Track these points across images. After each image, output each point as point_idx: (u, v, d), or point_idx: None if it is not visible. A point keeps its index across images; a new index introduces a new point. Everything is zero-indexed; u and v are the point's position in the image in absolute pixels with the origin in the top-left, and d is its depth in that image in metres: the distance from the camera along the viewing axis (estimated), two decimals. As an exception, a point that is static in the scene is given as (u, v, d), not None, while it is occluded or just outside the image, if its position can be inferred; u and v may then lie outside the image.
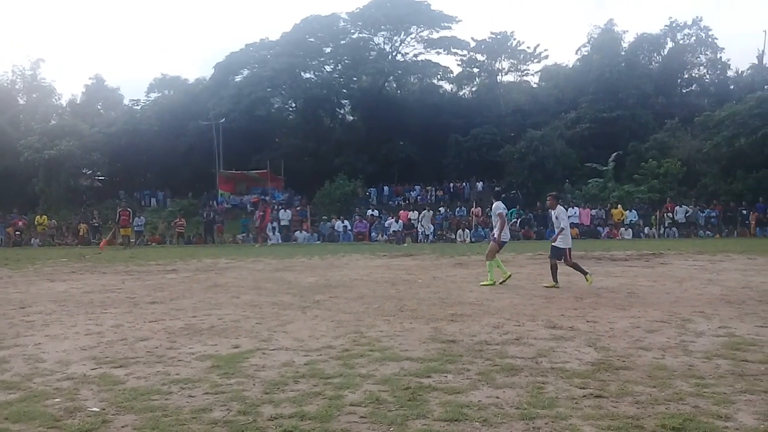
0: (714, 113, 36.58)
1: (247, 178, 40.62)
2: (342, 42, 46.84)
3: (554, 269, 12.05)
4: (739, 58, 78.45)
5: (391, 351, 6.45)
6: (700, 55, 46.76)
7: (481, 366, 5.80)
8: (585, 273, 11.88)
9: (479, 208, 32.30)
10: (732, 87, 44.50)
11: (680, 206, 30.71)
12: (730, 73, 46.90)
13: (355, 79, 47.73)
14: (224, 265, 17.57)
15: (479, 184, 39.04)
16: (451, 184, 39.56)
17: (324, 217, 33.29)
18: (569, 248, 12.23)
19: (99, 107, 51.73)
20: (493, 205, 13.21)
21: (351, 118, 50.48)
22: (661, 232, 30.03)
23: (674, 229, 30.12)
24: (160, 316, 8.80)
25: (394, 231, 29.55)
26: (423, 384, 5.18)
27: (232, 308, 9.56)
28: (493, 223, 13.28)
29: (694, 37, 46.11)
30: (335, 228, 31.54)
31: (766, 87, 37.71)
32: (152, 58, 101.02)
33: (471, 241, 28.13)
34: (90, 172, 45.07)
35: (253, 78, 44.74)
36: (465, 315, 8.66)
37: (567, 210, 12.83)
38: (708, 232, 29.83)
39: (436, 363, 5.89)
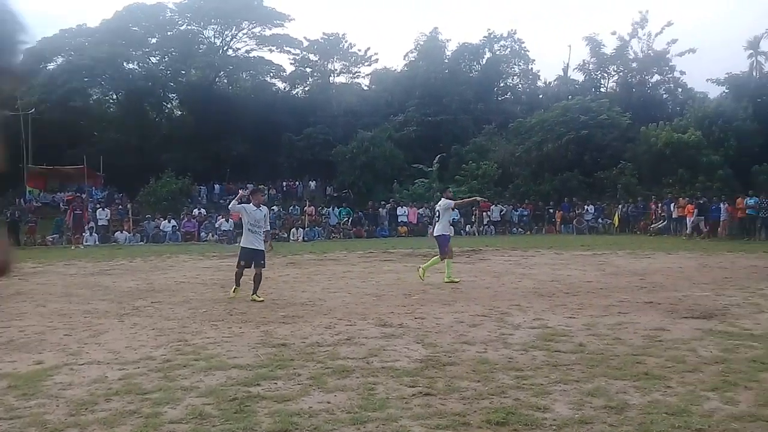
0: (526, 120, 39.78)
1: (60, 173, 36.99)
2: (169, 33, 44.50)
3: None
4: (548, 70, 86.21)
5: (218, 359, 6.11)
6: (515, 66, 50.61)
7: (312, 370, 5.68)
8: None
9: (312, 207, 32.29)
10: (541, 96, 48.65)
11: (496, 205, 32.98)
12: (539, 83, 51.36)
13: (183, 72, 45.55)
14: (30, 269, 15.79)
15: (312, 183, 39.06)
16: (285, 183, 39.16)
17: (148, 216, 31.30)
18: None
19: None
20: (442, 202, 12.77)
21: (179, 112, 48.13)
22: (480, 229, 32.03)
23: (491, 226, 32.27)
24: (-56, 333, 7.63)
25: (224, 230, 28.56)
26: (251, 393, 4.93)
27: (36, 318, 8.56)
28: (439, 219, 12.77)
29: (509, 49, 49.77)
30: (161, 228, 29.79)
31: (570, 97, 41.67)
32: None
33: (304, 240, 28.00)
34: None
35: (68, 66, 40.98)
36: (297, 316, 8.50)
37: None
38: (520, 229, 32.32)
39: (266, 369, 5.67)
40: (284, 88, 49.53)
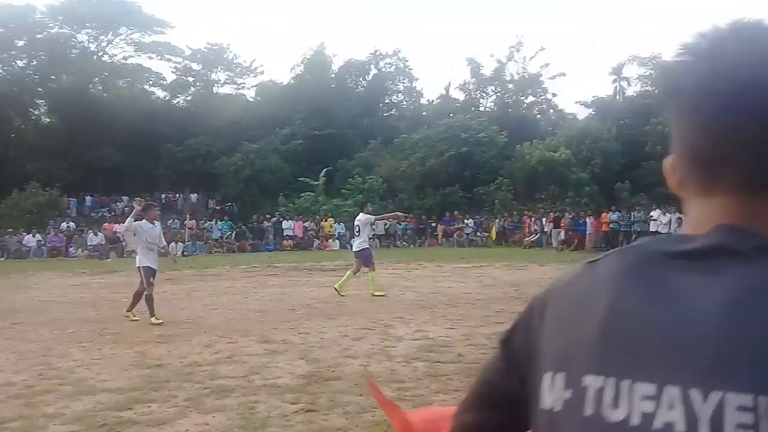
0: (410, 136, 40.75)
1: None
2: (38, 36, 41.46)
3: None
4: (431, 88, 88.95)
5: (86, 383, 5.75)
6: (399, 83, 51.74)
7: (190, 390, 5.47)
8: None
9: (194, 220, 31.20)
10: (425, 113, 50.01)
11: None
12: (423, 101, 52.78)
13: (53, 77, 42.68)
14: None
15: (193, 196, 37.77)
16: (164, 196, 37.55)
17: (10, 231, 28.91)
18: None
19: None
20: (361, 217, 12.81)
21: (48, 120, 44.97)
22: (366, 243, 32.36)
23: (376, 240, 32.67)
24: None
25: (95, 245, 26.94)
26: (122, 418, 4.68)
27: None
28: (358, 234, 12.73)
29: (394, 66, 50.84)
30: (24, 243, 27.64)
31: (451, 115, 43.12)
32: None
33: (183, 255, 26.95)
34: None
35: None
36: (174, 335, 8.16)
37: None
38: (404, 242, 33.00)
39: (140, 392, 5.39)
40: (164, 97, 47.71)
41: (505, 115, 43.60)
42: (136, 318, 9.34)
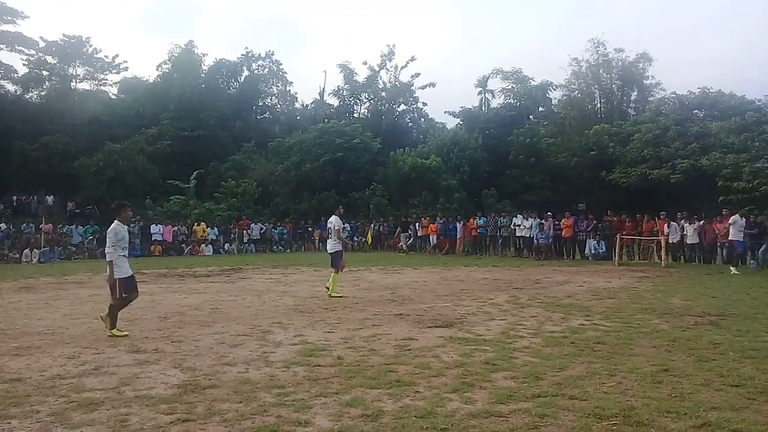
0: (285, 140, 40.49)
1: None
2: None
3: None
4: (306, 93, 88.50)
5: (-69, 404, 5.19)
6: (273, 86, 51.21)
7: (53, 405, 5.11)
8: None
9: (50, 224, 28.94)
10: (299, 117, 49.87)
11: (256, 223, 32.87)
12: (297, 105, 52.59)
13: None
14: None
15: (49, 198, 35.00)
16: (15, 198, 34.51)
17: None
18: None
19: None
20: (333, 219, 13.26)
21: None
22: (240, 248, 31.65)
23: (251, 244, 32.06)
24: None
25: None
26: (-23, 439, 4.28)
27: None
28: (328, 235, 13.47)
29: (267, 69, 50.26)
30: None
31: (326, 120, 43.33)
32: None
33: (40, 261, 24.97)
34: None
35: None
36: (33, 347, 7.57)
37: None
38: (281, 247, 32.62)
39: (-5, 410, 4.96)
40: (15, 92, 43.94)
41: (378, 122, 44.44)
42: (125, 333, 8.47)
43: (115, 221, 8.99)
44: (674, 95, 36.71)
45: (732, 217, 18.54)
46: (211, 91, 44.30)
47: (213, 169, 39.12)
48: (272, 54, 50.04)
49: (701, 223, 21.48)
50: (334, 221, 13.23)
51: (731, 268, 17.69)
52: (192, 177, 36.71)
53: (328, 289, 12.64)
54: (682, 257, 22.04)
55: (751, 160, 26.60)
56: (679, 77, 78.12)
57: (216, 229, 31.82)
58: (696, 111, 34.31)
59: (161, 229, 30.02)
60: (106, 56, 45.42)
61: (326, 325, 9.09)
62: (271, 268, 20.61)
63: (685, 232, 21.59)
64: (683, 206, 24.16)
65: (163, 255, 28.57)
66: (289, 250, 32.25)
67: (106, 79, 47.12)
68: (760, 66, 64.78)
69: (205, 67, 46.84)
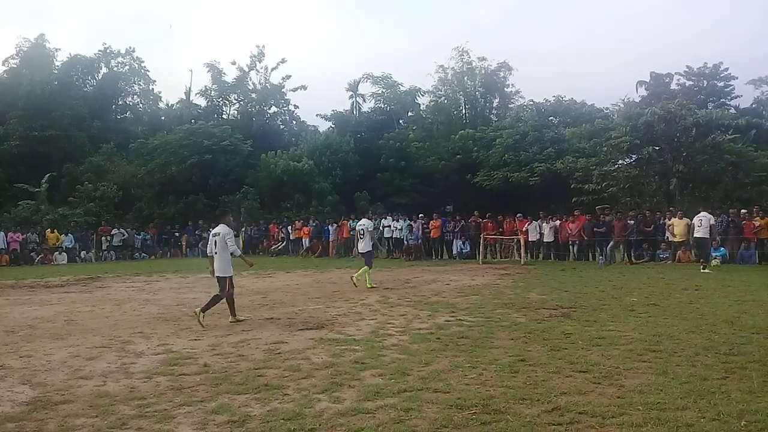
0: (148, 141, 38.53)
1: None
2: None
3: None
4: (171, 92, 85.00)
5: None
6: (134, 85, 48.57)
7: None
8: None
9: None
10: (164, 118, 47.69)
11: (117, 229, 31.05)
12: (162, 105, 50.22)
13: None
14: None
15: None
16: None
17: None
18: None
19: None
20: (364, 221, 15.48)
21: None
22: (99, 255, 29.78)
23: (111, 252, 30.25)
24: None
25: None
26: None
27: None
28: (360, 236, 15.27)
29: (127, 66, 47.57)
30: None
31: (193, 121, 41.78)
32: None
33: None
34: None
35: None
36: None
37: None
38: (144, 254, 31.06)
39: None
40: None
41: (249, 124, 43.57)
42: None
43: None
44: (532, 103, 39.21)
45: (701, 214, 17.33)
46: (65, 89, 41.19)
47: (67, 171, 36.49)
48: (133, 51, 47.46)
49: (557, 222, 23.05)
50: (365, 223, 15.22)
51: (704, 266, 16.71)
52: (44, 180, 34.00)
53: (355, 283, 14.16)
54: (539, 255, 23.50)
55: (599, 163, 28.83)
56: (536, 87, 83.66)
57: (71, 236, 29.64)
58: (551, 118, 36.77)
59: (6, 237, 27.50)
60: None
61: (192, 333, 8.78)
62: (133, 276, 19.54)
63: (542, 231, 23.06)
64: (541, 207, 25.78)
65: (10, 265, 26.21)
66: (153, 257, 30.77)
67: (-59, 73, 42.55)
68: (607, 77, 70.71)
69: (58, 63, 43.54)
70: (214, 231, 10.54)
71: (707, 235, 17.05)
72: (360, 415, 4.85)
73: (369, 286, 14.33)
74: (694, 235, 17.64)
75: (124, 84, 47.70)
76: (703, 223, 17.01)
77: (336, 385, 5.73)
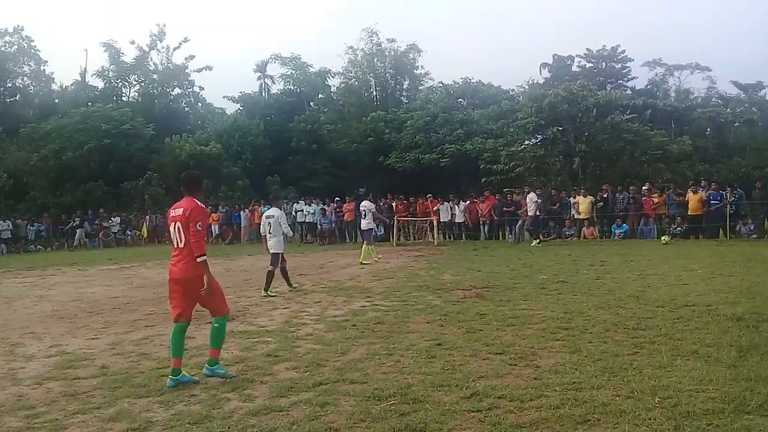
0: (40, 125, 35.99)
1: None
2: None
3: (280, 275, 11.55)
4: (64, 74, 79.80)
5: None
6: (24, 66, 45.30)
7: None
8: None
9: None
10: (57, 101, 44.67)
11: (6, 221, 28.87)
12: (54, 87, 46.99)
13: None
14: None
15: None
16: None
17: None
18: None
19: None
20: (365, 203, 17.14)
21: None
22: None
23: (3, 245, 28.14)
24: None
25: None
26: None
27: None
28: (363, 216, 17.05)
29: (16, 46, 44.30)
30: None
31: (90, 104, 39.41)
32: None
33: None
34: None
35: None
36: None
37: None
38: (39, 246, 29.11)
39: None
40: None
41: (151, 107, 41.64)
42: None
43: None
44: (441, 85, 39.56)
45: (528, 195, 19.73)
46: (-56, 70, 37.89)
47: (-52, 159, 33.66)
48: (22, 29, 44.13)
49: (467, 203, 23.38)
50: (366, 205, 16.90)
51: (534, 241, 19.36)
52: None
53: (369, 259, 15.60)
54: (451, 236, 23.79)
55: (507, 144, 29.48)
56: (445, 68, 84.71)
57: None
58: (460, 99, 37.30)
59: None
60: None
61: (90, 331, 8.18)
62: (25, 270, 18.17)
63: (454, 212, 23.34)
64: (452, 188, 26.06)
65: None
66: (49, 249, 28.90)
67: None
68: (513, 59, 72.37)
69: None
70: (267, 213, 11.88)
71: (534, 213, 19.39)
72: (273, 413, 4.59)
73: (376, 258, 15.95)
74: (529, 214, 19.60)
75: (12, 65, 44.32)
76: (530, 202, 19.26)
77: (247, 382, 5.43)
